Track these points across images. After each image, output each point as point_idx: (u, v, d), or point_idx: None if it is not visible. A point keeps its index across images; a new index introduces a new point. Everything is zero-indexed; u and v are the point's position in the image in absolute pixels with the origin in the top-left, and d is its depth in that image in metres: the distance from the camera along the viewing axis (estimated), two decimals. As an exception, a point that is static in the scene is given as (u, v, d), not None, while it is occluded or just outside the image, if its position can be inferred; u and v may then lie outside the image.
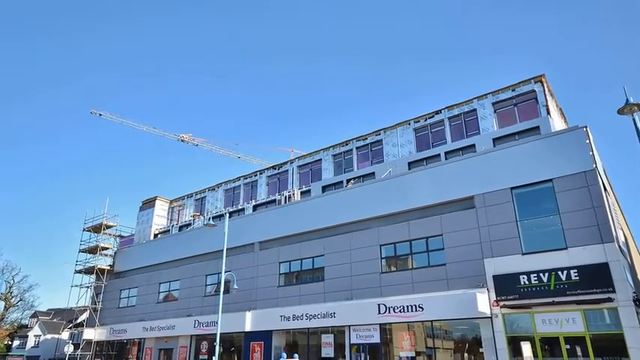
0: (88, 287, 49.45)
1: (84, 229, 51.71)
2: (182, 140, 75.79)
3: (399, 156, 38.69)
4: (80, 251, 51.21)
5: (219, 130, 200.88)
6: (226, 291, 33.64)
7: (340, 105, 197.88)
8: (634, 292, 21.46)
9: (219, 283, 35.80)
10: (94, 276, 48.91)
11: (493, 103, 34.72)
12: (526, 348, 21.73)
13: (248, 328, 33.08)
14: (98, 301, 48.16)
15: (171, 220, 56.85)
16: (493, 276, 23.76)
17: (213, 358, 27.08)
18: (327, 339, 29.46)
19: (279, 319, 31.59)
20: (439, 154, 35.51)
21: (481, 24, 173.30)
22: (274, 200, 46.04)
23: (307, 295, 31.28)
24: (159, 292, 42.94)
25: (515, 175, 25.08)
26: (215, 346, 26.95)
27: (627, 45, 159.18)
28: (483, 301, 23.44)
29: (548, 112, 31.34)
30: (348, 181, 40.23)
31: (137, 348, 42.70)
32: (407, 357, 25.99)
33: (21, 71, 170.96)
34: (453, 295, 24.62)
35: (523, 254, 23.32)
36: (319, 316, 29.57)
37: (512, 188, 25.01)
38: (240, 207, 49.27)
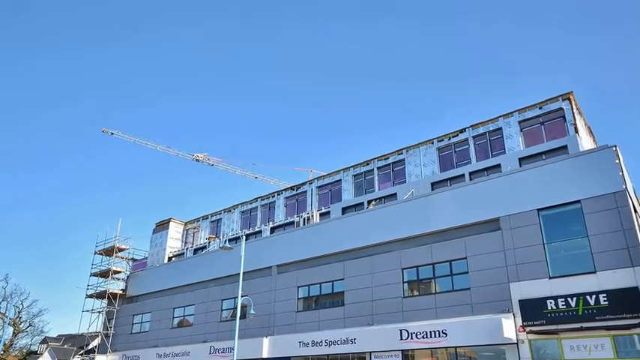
0: (99, 312, 50.62)
1: (95, 252, 52.97)
2: (197, 160, 77.29)
3: (422, 176, 39.44)
4: (91, 275, 52.48)
5: (235, 150, 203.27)
6: (243, 316, 34.31)
7: (361, 124, 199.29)
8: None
9: (235, 308, 36.56)
10: (105, 300, 50.05)
11: (519, 122, 35.39)
12: (554, 375, 22.14)
13: (265, 354, 33.83)
14: (110, 327, 49.25)
15: (185, 242, 57.99)
16: (519, 301, 24.33)
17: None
18: (348, 366, 30.03)
19: (297, 346, 32.32)
20: (463, 175, 36.18)
21: (507, 40, 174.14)
22: (292, 222, 46.91)
23: (327, 320, 32.01)
24: (173, 318, 43.95)
25: (542, 196, 25.80)
26: (232, 371, 27.61)
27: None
28: (509, 326, 23.99)
29: (577, 131, 31.95)
30: (369, 202, 40.96)
31: (150, 375, 43.47)
32: (430, 385, 26.47)
33: (30, 88, 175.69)
34: (477, 321, 25.22)
35: (550, 278, 23.90)
36: (339, 342, 30.25)
37: (539, 210, 25.74)
38: (257, 229, 50.24)
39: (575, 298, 22.62)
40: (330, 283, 33.21)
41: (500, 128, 36.37)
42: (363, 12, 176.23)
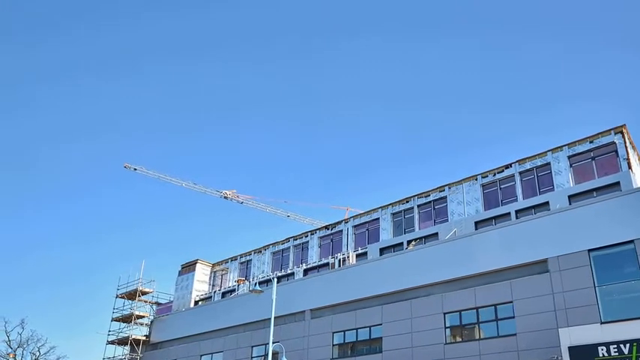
0: (121, 360, 51.80)
1: (117, 296, 54.79)
2: (225, 197, 78.74)
3: (465, 215, 40.27)
4: (113, 320, 54.29)
5: (266, 187, 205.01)
6: (274, 364, 35.17)
7: (400, 159, 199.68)
8: None
9: (266, 355, 37.43)
10: (128, 347, 51.67)
11: (569, 157, 36.16)
12: None
13: (298, 405, 34.63)
14: (133, 375, 50.33)
15: (213, 285, 59.22)
16: (569, 347, 25.00)
17: None
18: (386, 418, 30.69)
19: (332, 395, 33.10)
20: (509, 213, 37.02)
21: (556, 69, 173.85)
22: (327, 264, 47.82)
23: (364, 368, 32.74)
24: (200, 366, 44.91)
25: (593, 236, 26.70)
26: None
27: None
28: (558, 375, 24.55)
29: (630, 167, 32.65)
30: (408, 242, 41.74)
31: None
32: None
33: (48, 122, 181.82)
34: (524, 369, 25.82)
35: (602, 323, 24.67)
36: (377, 391, 30.99)
37: (589, 250, 26.63)
38: (289, 271, 51.33)
39: (628, 345, 23.22)
40: (368, 328, 34.12)
41: (549, 163, 37.13)
42: (401, 34, 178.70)
